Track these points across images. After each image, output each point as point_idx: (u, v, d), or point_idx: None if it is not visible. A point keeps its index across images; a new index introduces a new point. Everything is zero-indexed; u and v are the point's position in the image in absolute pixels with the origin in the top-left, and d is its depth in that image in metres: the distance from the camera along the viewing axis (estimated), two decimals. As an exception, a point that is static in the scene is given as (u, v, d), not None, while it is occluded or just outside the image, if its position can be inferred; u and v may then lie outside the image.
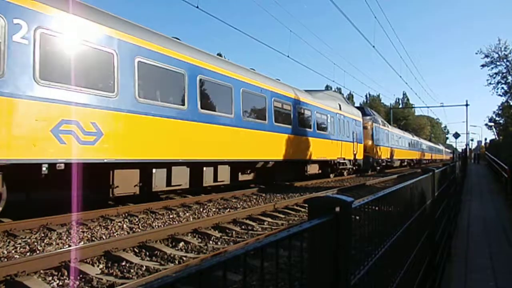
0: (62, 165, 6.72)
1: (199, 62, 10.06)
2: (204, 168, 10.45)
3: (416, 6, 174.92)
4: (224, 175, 11.23)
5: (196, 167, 10.16)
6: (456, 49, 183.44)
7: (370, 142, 25.41)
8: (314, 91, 18.89)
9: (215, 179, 10.93)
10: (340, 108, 20.41)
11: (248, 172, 13.42)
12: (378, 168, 28.43)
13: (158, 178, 8.99)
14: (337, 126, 19.37)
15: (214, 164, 10.80)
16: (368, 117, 26.32)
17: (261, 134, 12.75)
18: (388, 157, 30.68)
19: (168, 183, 9.30)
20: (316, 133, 16.93)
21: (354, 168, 22.34)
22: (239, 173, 12.81)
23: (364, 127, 24.57)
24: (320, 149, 17.19)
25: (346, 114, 21.01)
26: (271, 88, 13.58)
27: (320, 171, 18.10)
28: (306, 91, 17.49)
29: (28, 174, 6.54)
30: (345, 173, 21.56)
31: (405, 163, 39.33)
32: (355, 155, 21.97)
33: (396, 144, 34.23)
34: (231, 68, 11.62)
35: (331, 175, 19.87)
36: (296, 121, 15.17)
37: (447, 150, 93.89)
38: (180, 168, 9.58)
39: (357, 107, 26.74)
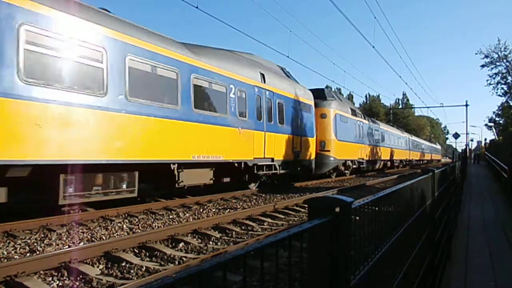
0: None
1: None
2: None
3: (416, 9, 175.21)
4: None
5: None
6: (456, 50, 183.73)
7: (330, 136, 18.52)
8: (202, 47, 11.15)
9: None
10: (264, 81, 13.29)
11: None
12: (347, 172, 21.54)
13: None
14: (252, 107, 12.40)
15: None
16: (326, 102, 19.01)
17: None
18: (360, 156, 23.21)
19: None
20: (198, 116, 9.94)
21: (282, 172, 14.26)
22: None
23: (322, 115, 18.34)
24: (209, 143, 10.29)
25: (276, 90, 14.03)
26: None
27: (212, 180, 10.99)
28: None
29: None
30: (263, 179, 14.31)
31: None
32: (296, 153, 15.13)
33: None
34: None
35: (252, 185, 13.34)
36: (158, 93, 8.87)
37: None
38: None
39: (316, 89, 19.00)
